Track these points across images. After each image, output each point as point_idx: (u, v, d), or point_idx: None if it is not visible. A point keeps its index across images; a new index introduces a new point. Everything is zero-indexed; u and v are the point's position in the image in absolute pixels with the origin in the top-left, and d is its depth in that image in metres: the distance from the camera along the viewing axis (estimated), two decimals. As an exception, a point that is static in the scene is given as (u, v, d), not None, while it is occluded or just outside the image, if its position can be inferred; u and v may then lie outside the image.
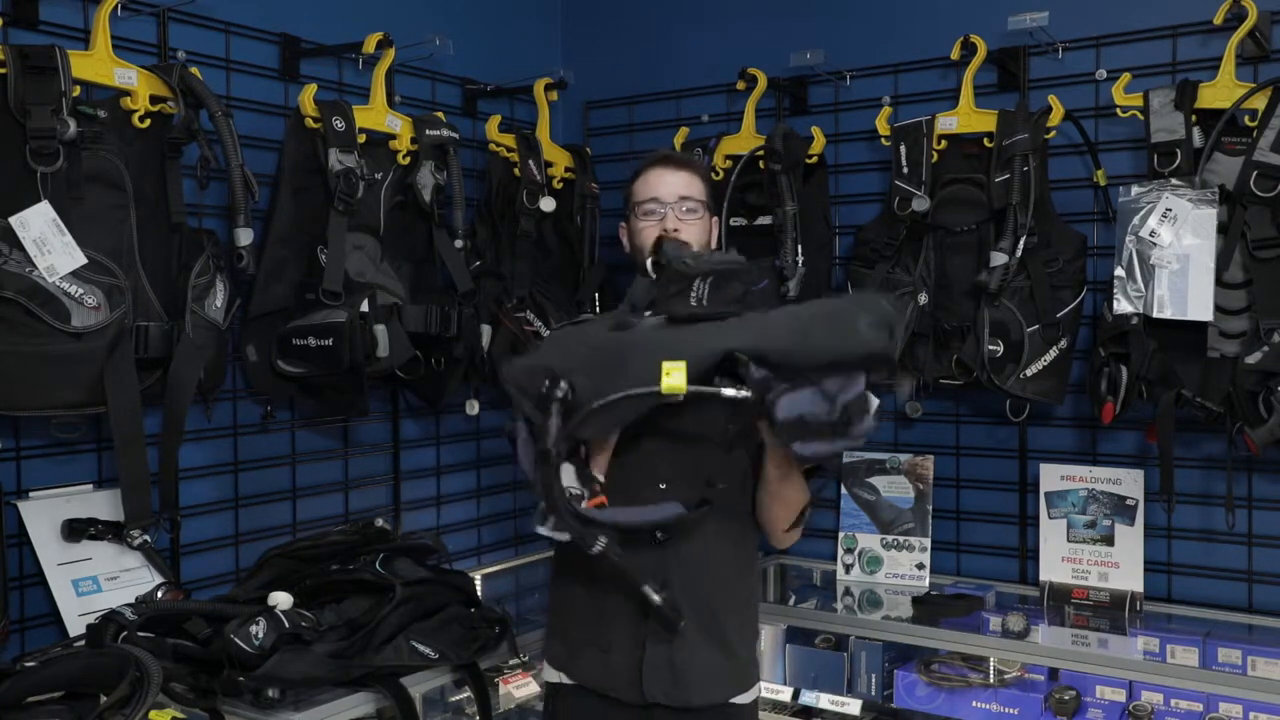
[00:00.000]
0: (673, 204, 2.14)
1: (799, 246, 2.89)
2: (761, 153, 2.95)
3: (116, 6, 2.29)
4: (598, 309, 3.07)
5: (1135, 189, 2.50)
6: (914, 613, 2.75)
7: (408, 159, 2.74)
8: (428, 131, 2.74)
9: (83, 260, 2.09)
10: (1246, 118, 2.46)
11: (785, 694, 2.82)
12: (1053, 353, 2.66)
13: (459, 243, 2.80)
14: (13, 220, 2.03)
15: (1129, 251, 2.48)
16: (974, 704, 2.63)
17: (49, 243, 2.05)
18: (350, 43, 2.77)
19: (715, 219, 2.26)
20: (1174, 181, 2.47)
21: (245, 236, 2.32)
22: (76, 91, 2.13)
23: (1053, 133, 2.73)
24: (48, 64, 2.08)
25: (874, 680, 2.77)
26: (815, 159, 3.01)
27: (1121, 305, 2.48)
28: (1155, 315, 2.43)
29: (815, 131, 3.02)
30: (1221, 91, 2.49)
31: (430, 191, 2.73)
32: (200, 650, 2.03)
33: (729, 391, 1.75)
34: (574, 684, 2.13)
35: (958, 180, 2.81)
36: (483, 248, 3.01)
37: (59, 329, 2.06)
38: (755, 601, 2.22)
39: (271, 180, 2.58)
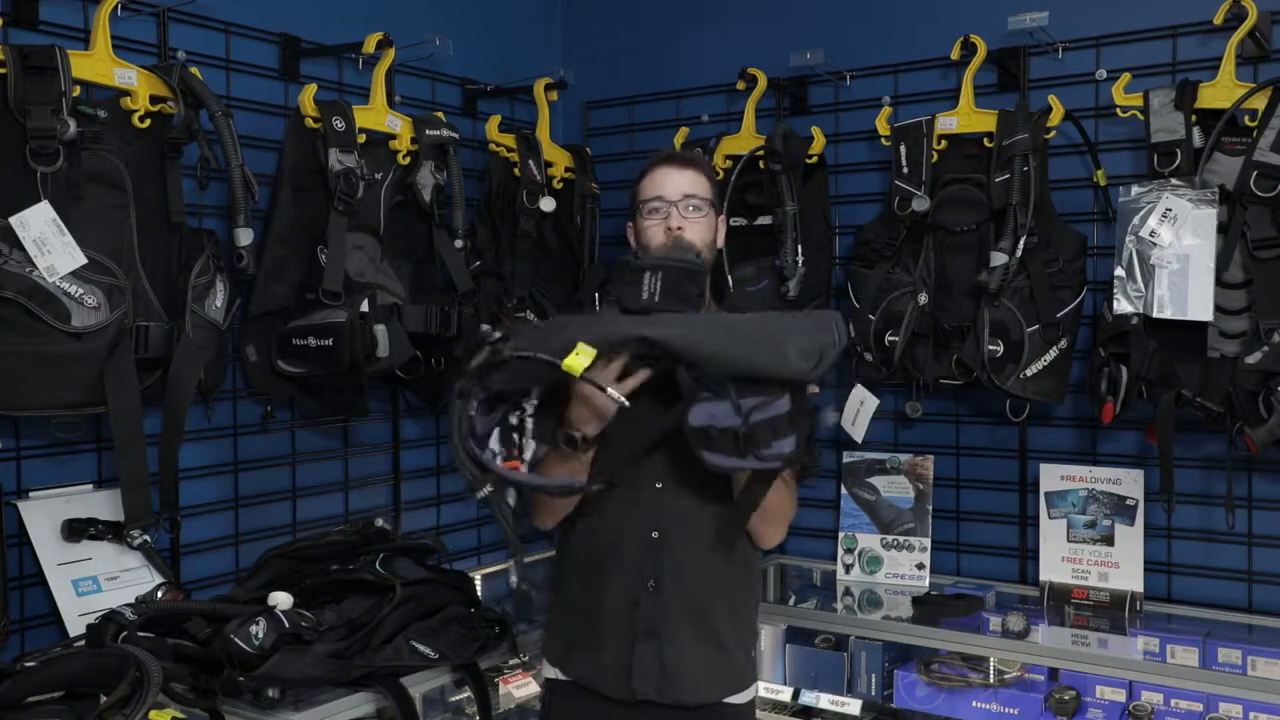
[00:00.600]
0: (677, 202, 2.15)
1: (799, 246, 2.89)
2: (761, 153, 2.96)
3: (116, 6, 2.29)
4: (597, 309, 3.07)
5: (1135, 189, 2.50)
6: (914, 613, 2.75)
7: (408, 159, 2.74)
8: (428, 131, 2.74)
9: (83, 260, 2.09)
10: (1246, 118, 2.46)
11: (785, 694, 2.83)
12: (1053, 353, 2.66)
13: (459, 243, 2.80)
14: (13, 220, 2.03)
15: (1129, 251, 2.48)
16: (974, 704, 2.63)
17: (49, 243, 2.05)
18: (350, 43, 2.78)
19: (721, 218, 2.27)
20: (1174, 181, 2.47)
21: (245, 236, 2.32)
22: (76, 91, 2.13)
23: (1053, 133, 2.73)
24: (48, 64, 2.08)
25: (874, 680, 2.77)
26: (815, 159, 3.01)
27: (1121, 305, 2.48)
28: (1155, 315, 2.43)
29: (815, 131, 3.02)
30: (1221, 91, 2.49)
31: (430, 191, 2.73)
32: (200, 650, 2.03)
33: (612, 391, 1.82)
34: (569, 681, 2.15)
35: (958, 180, 2.80)
36: (483, 248, 3.01)
37: (59, 329, 2.06)
38: (752, 602, 2.22)
39: (271, 180, 2.58)
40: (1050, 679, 2.65)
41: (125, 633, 1.99)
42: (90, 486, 2.37)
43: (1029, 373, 2.66)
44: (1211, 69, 2.56)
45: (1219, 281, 2.42)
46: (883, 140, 2.92)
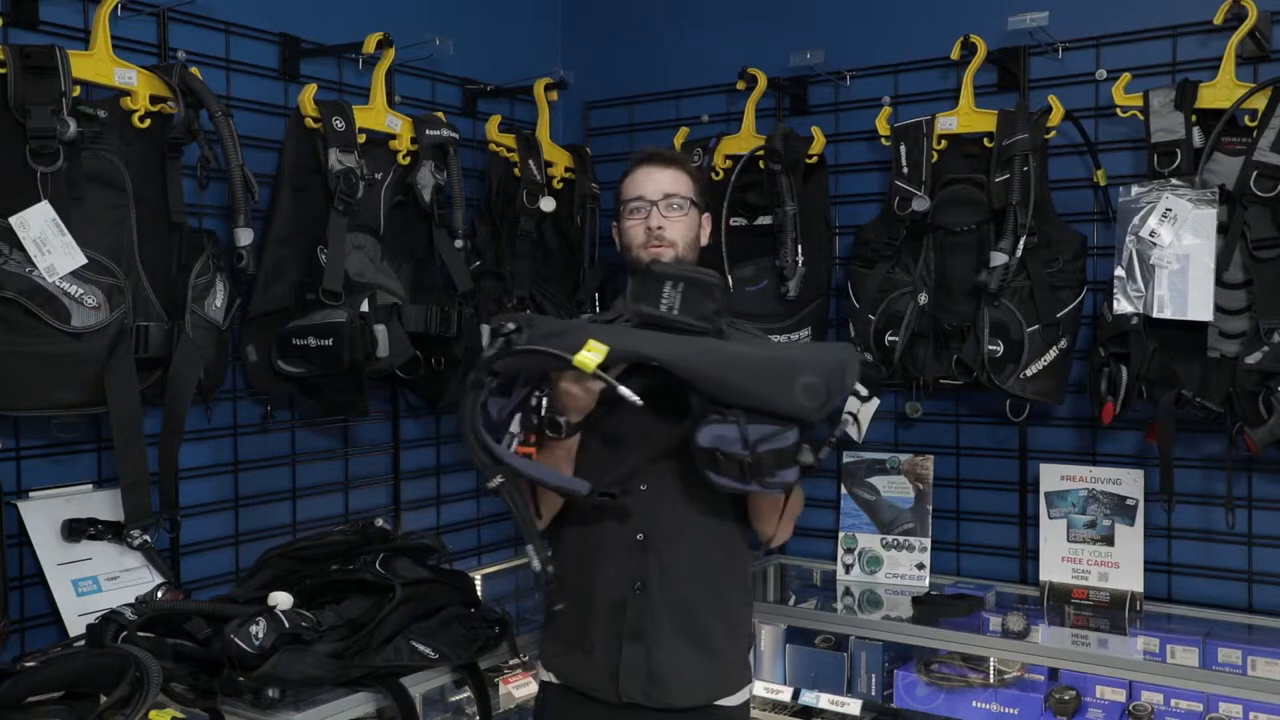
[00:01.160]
0: (658, 201, 2.15)
1: (799, 246, 2.89)
2: (761, 153, 2.95)
3: (116, 6, 2.29)
4: (597, 309, 3.07)
5: (1135, 189, 2.50)
6: (914, 613, 2.75)
7: (408, 159, 2.74)
8: (428, 131, 2.74)
9: (83, 260, 2.09)
10: (1246, 118, 2.46)
11: (785, 694, 2.83)
12: (1053, 353, 2.66)
13: (459, 243, 2.80)
14: (13, 220, 2.03)
15: (1129, 251, 2.48)
16: (974, 704, 2.63)
17: (49, 243, 2.05)
18: (350, 43, 2.77)
19: (707, 216, 2.26)
20: (1174, 181, 2.46)
21: (245, 236, 2.32)
22: (76, 91, 2.13)
23: (1053, 133, 2.73)
24: (48, 64, 2.08)
25: (874, 680, 2.77)
26: (815, 159, 3.01)
27: (1121, 305, 2.48)
28: (1155, 315, 2.43)
29: (815, 131, 3.01)
30: (1221, 91, 2.49)
31: (430, 191, 2.73)
32: (200, 650, 2.03)
33: (624, 390, 1.81)
34: (561, 683, 2.17)
35: (958, 180, 2.80)
36: (483, 248, 3.01)
37: (59, 329, 2.06)
38: (744, 605, 2.22)
39: (271, 180, 2.58)
40: (1050, 679, 2.65)
41: (125, 633, 1.99)
42: (90, 486, 2.36)
43: (1029, 373, 2.66)
44: (1211, 69, 2.56)
45: (1219, 281, 2.42)
46: (883, 140, 2.92)
